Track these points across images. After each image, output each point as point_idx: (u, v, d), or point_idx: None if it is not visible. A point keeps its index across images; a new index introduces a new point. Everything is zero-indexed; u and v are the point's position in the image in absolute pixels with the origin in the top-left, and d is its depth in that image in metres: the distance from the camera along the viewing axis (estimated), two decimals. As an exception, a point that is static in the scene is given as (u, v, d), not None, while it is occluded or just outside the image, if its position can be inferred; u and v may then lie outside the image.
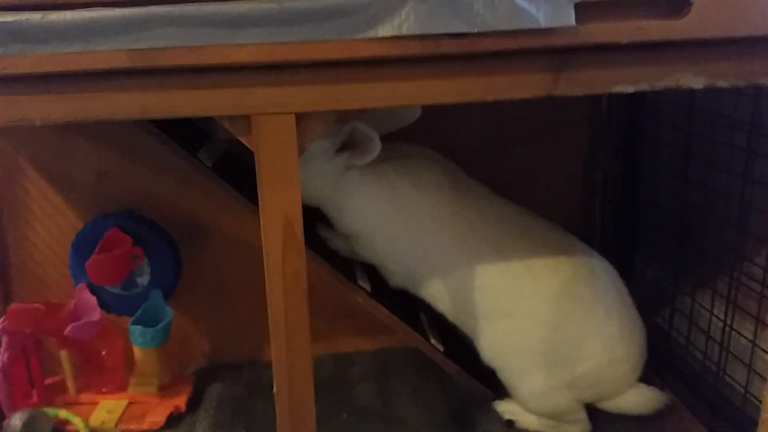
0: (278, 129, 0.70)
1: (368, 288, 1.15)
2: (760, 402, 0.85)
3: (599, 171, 1.36)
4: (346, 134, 1.06)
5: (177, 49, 0.65)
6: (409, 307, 1.20)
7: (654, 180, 1.29)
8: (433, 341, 1.17)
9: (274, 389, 0.77)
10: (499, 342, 1.08)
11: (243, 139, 0.72)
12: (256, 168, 0.72)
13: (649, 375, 1.19)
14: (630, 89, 0.70)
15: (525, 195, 1.39)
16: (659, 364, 1.19)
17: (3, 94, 0.67)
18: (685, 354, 1.17)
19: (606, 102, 1.31)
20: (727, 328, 1.04)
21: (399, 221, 1.10)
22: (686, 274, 1.18)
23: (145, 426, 1.18)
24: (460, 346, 1.20)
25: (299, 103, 0.69)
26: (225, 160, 1.16)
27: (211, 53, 0.65)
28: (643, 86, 0.70)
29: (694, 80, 0.71)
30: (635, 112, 1.30)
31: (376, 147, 1.04)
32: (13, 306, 1.16)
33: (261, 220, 0.74)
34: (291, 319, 0.76)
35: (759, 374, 0.97)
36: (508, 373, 1.10)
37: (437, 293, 1.13)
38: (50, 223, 1.28)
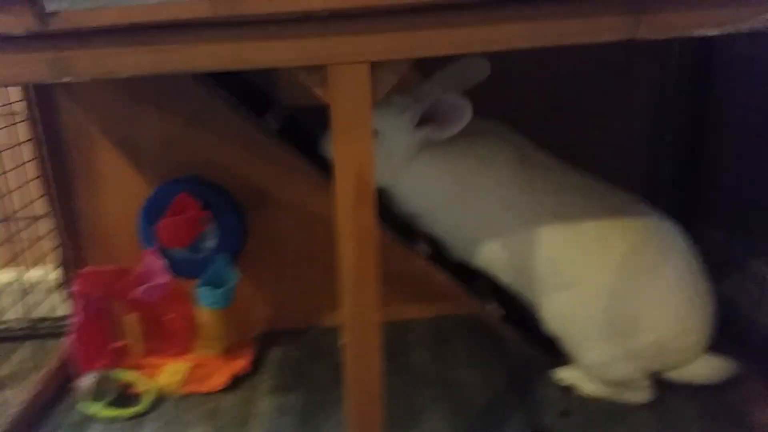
0: (353, 78, 0.70)
1: (428, 251, 1.15)
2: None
3: (668, 134, 1.32)
4: (427, 106, 1.04)
5: (257, -3, 0.66)
6: (469, 271, 1.19)
7: (722, 142, 1.24)
8: (491, 306, 1.17)
9: (343, 341, 0.78)
10: (562, 311, 1.07)
11: (318, 91, 0.72)
12: (332, 119, 0.73)
13: (714, 342, 1.16)
14: (714, 32, 0.68)
15: (592, 157, 1.37)
16: (726, 332, 1.15)
17: (90, 48, 0.70)
18: (753, 323, 1.14)
19: (676, 61, 1.27)
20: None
21: (466, 204, 1.09)
22: (756, 239, 1.14)
23: (208, 388, 1.21)
24: (518, 312, 1.20)
25: (374, 52, 0.69)
26: (289, 128, 1.18)
27: (289, 1, 0.66)
28: (728, 28, 0.68)
29: (782, 22, 0.68)
30: (704, 71, 1.26)
31: (466, 115, 1.00)
32: (86, 269, 1.21)
33: (335, 171, 0.75)
34: (361, 272, 0.76)
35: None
36: (571, 342, 1.08)
37: (501, 266, 1.12)
38: (120, 191, 1.32)
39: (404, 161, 1.08)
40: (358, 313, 0.79)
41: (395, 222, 1.18)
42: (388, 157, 1.07)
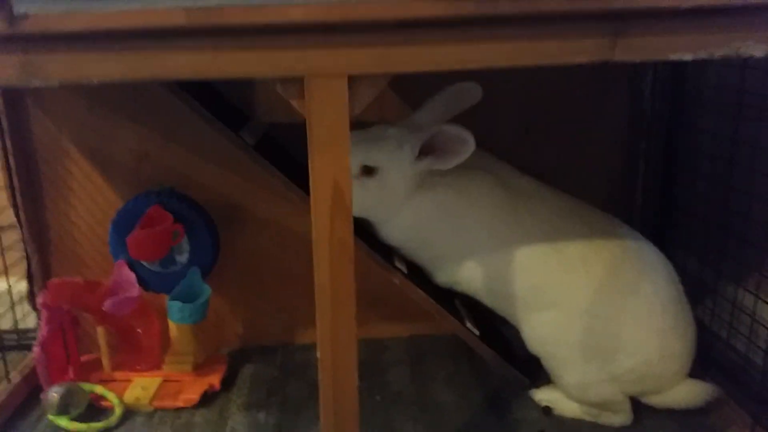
0: (331, 92, 0.70)
1: (404, 269, 1.14)
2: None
3: (641, 160, 1.34)
4: (427, 137, 1.03)
5: (234, 8, 0.65)
6: (445, 291, 1.19)
7: (695, 168, 1.27)
8: (468, 325, 1.16)
9: (318, 354, 0.76)
10: (544, 332, 1.07)
11: (295, 103, 0.72)
12: (307, 132, 0.72)
13: (692, 367, 1.17)
14: (688, 57, 0.69)
15: (564, 183, 1.39)
16: (702, 356, 1.16)
17: (63, 52, 0.68)
18: (726, 347, 1.15)
19: (649, 89, 1.29)
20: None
21: (454, 235, 1.09)
22: (728, 266, 1.15)
23: (179, 403, 1.18)
24: (495, 332, 1.19)
25: (352, 65, 0.69)
26: (264, 144, 1.17)
27: (268, 12, 0.65)
28: (702, 54, 0.69)
29: (754, 48, 0.69)
30: (677, 100, 1.28)
31: (469, 147, 0.99)
32: (54, 280, 1.18)
33: (310, 184, 0.74)
34: (336, 285, 0.75)
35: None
36: (552, 363, 1.08)
37: (486, 289, 1.12)
38: (90, 203, 1.30)
39: (405, 195, 1.07)
40: (334, 327, 0.77)
41: (372, 240, 1.17)
42: (389, 192, 1.06)
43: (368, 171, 1.04)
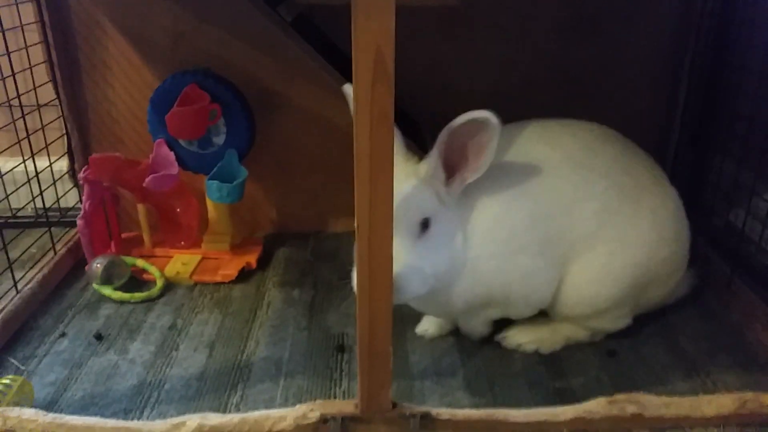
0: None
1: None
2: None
3: (688, 56, 1.29)
4: (440, 147, 0.87)
5: None
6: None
7: (742, 74, 1.21)
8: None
9: (356, 224, 0.78)
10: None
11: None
12: (353, -5, 0.69)
13: (721, 267, 1.18)
14: None
15: (607, 83, 1.35)
16: (732, 259, 1.16)
17: None
18: (758, 251, 1.14)
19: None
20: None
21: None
22: (765, 173, 1.12)
23: (217, 278, 1.23)
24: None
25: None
26: (300, 24, 1.14)
27: None
28: None
29: None
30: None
31: (492, 127, 0.84)
32: (95, 156, 1.21)
33: (353, 50, 0.72)
34: (376, 152, 0.75)
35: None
36: (599, 301, 0.98)
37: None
38: (127, 83, 1.30)
39: (461, 231, 0.91)
40: (372, 196, 0.77)
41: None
42: (447, 236, 0.90)
43: (425, 225, 0.89)
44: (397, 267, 0.80)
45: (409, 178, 0.89)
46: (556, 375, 0.98)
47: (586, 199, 0.95)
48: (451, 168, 0.89)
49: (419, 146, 1.15)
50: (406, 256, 0.86)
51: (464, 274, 0.92)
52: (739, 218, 1.19)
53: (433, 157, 0.88)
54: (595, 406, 0.85)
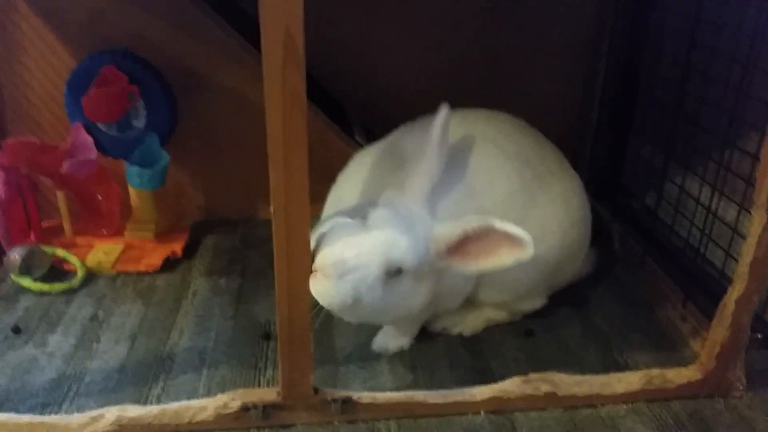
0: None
1: (365, 144, 1.14)
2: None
3: (606, 40, 1.32)
4: (461, 233, 0.85)
5: None
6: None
7: (656, 63, 1.27)
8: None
9: (271, 209, 0.77)
10: None
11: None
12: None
13: (636, 249, 1.22)
14: None
15: (530, 62, 1.37)
16: (646, 239, 1.20)
17: None
18: (670, 232, 1.19)
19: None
20: (710, 215, 1.06)
21: None
22: (677, 158, 1.17)
23: (141, 268, 1.20)
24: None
25: None
26: (224, 4, 1.12)
27: None
28: None
29: None
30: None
31: (526, 251, 0.82)
32: (10, 140, 1.15)
33: (261, 32, 0.71)
34: (289, 137, 0.74)
35: (735, 258, 0.95)
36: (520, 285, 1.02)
37: None
38: (43, 63, 1.24)
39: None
40: (287, 178, 0.77)
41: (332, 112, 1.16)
42: (413, 294, 0.89)
43: (396, 272, 0.87)
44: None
45: (425, 225, 0.87)
46: (476, 356, 1.01)
47: (506, 185, 0.98)
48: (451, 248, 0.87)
49: (344, 129, 1.14)
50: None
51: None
52: (654, 201, 1.24)
53: (457, 235, 0.85)
54: (510, 386, 0.88)
